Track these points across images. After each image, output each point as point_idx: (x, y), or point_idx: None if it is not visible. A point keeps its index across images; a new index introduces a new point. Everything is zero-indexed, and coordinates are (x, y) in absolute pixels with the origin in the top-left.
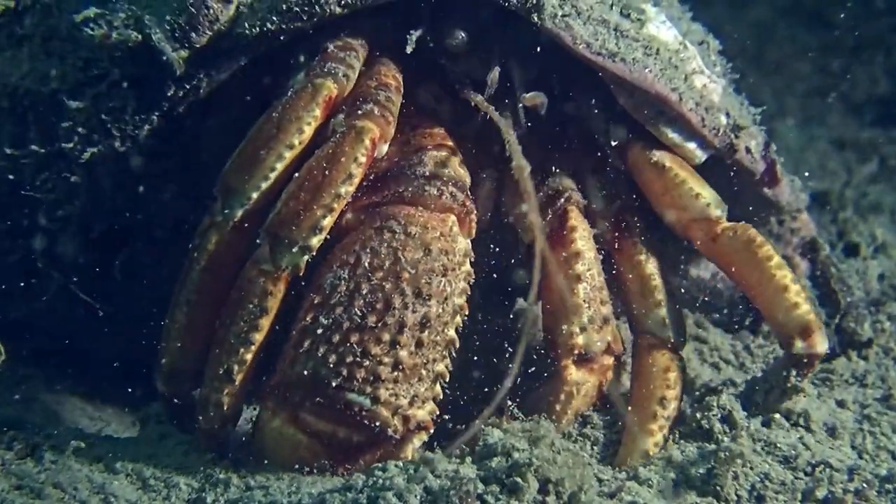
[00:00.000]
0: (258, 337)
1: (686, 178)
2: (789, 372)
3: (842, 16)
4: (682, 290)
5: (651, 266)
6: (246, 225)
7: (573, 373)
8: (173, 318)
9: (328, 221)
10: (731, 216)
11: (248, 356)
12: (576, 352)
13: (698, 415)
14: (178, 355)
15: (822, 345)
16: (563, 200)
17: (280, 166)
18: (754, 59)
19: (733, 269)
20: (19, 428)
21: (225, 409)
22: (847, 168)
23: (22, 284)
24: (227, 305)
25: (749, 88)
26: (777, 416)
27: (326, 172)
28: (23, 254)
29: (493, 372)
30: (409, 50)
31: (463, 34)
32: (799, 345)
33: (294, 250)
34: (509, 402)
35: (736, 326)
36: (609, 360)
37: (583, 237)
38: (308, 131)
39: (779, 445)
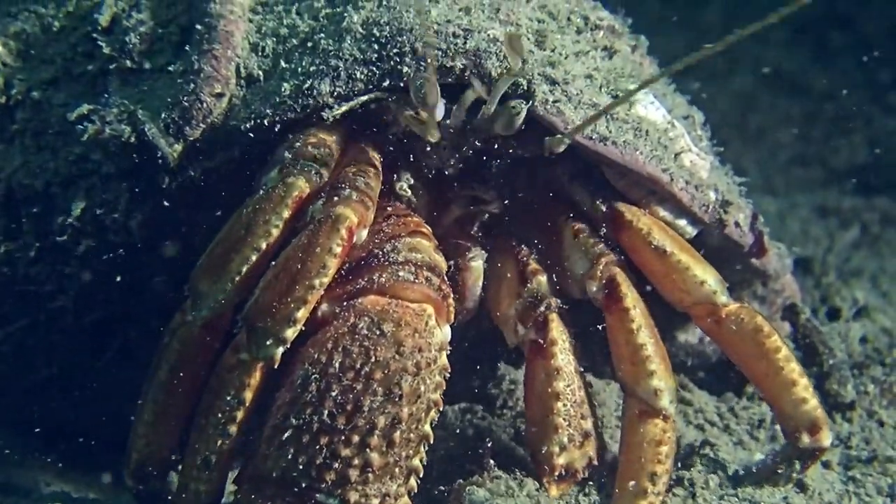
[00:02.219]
0: (235, 428)
1: (689, 263)
2: (793, 463)
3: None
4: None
5: (644, 335)
6: (216, 322)
7: (554, 490)
8: (141, 416)
9: (302, 314)
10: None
11: (226, 447)
12: (556, 472)
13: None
14: (145, 452)
15: (828, 439)
16: (543, 308)
17: (246, 269)
18: (737, 129)
19: (737, 354)
20: (6, 493)
21: (203, 497)
22: (829, 235)
23: (16, 369)
24: (207, 393)
25: (732, 157)
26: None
27: (300, 264)
28: (18, 341)
29: None
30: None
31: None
32: (806, 440)
33: (269, 342)
34: (492, 461)
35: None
36: (588, 472)
37: (563, 350)
38: (276, 233)
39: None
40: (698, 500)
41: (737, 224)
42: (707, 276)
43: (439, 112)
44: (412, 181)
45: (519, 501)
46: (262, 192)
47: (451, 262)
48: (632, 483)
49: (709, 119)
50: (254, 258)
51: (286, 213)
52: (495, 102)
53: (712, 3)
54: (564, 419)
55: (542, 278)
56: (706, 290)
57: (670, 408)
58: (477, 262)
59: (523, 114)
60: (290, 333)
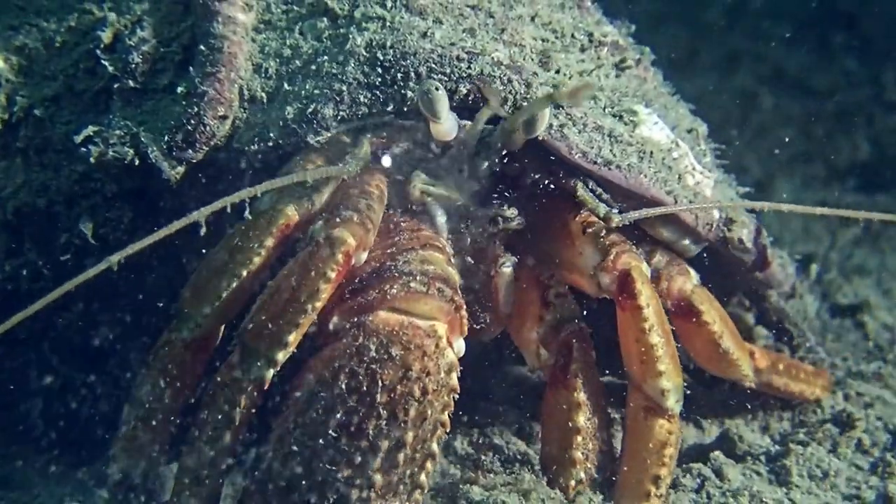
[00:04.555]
0: (225, 446)
1: (737, 354)
2: None
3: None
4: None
5: (655, 335)
6: (201, 342)
7: None
8: (122, 431)
9: (294, 337)
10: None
11: (217, 463)
12: (570, 499)
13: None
14: (126, 468)
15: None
16: (566, 333)
17: (227, 294)
18: (739, 126)
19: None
20: (6, 487)
21: None
22: (831, 232)
23: (18, 383)
24: (200, 408)
25: (734, 155)
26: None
27: (295, 287)
28: (23, 358)
29: None
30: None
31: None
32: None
33: (259, 363)
34: (484, 457)
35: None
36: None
37: (586, 381)
38: (258, 261)
39: (765, 501)
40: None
41: (740, 241)
42: (746, 366)
43: (452, 127)
44: (427, 179)
45: (520, 497)
46: (249, 218)
47: (482, 270)
48: (635, 484)
49: (710, 117)
50: (235, 284)
51: (270, 242)
52: (524, 113)
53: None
54: (583, 454)
55: (566, 302)
56: (741, 377)
57: (676, 408)
58: (507, 268)
59: (547, 114)
60: (282, 356)
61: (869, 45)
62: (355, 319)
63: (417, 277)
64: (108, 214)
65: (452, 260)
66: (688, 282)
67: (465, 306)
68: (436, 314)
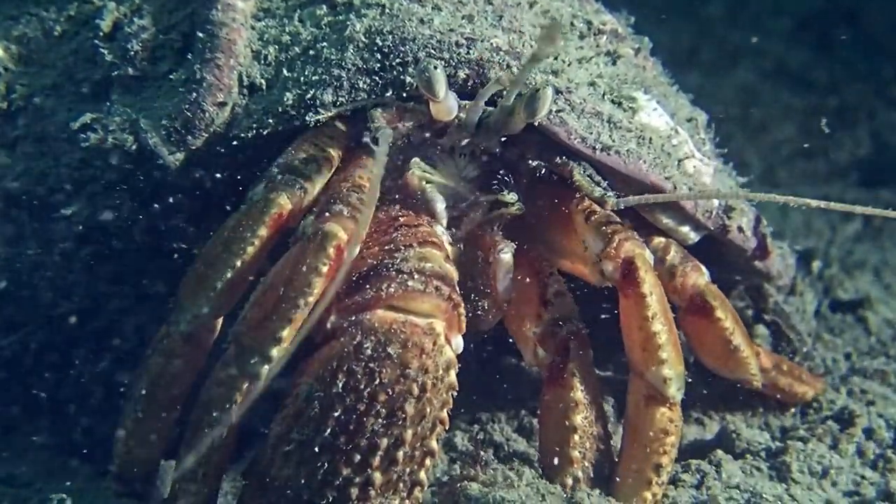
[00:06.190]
0: (223, 443)
1: (751, 359)
2: None
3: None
4: None
5: (658, 323)
6: (199, 335)
7: None
8: (123, 423)
9: (287, 332)
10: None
11: (214, 460)
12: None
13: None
14: (127, 458)
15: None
16: (564, 333)
17: (222, 285)
18: (740, 122)
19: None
20: (9, 484)
21: None
22: (832, 227)
23: (17, 373)
24: (196, 405)
25: (735, 150)
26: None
27: (286, 283)
28: (20, 346)
29: None
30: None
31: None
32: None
33: (254, 360)
34: (482, 453)
35: None
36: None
37: (583, 380)
38: (252, 251)
39: (765, 496)
40: (703, 490)
41: (740, 229)
42: (754, 366)
43: (452, 106)
44: (426, 167)
45: (520, 491)
46: (243, 208)
47: (482, 256)
48: (636, 472)
49: (711, 112)
50: (230, 275)
51: (263, 231)
52: (521, 83)
53: None
54: (580, 452)
55: (564, 301)
56: (749, 377)
57: (678, 396)
58: (506, 254)
59: (549, 97)
60: (276, 352)
61: (870, 40)
62: (353, 318)
63: (415, 276)
64: (108, 202)
65: (450, 256)
66: (701, 278)
67: (462, 304)
68: (433, 312)
